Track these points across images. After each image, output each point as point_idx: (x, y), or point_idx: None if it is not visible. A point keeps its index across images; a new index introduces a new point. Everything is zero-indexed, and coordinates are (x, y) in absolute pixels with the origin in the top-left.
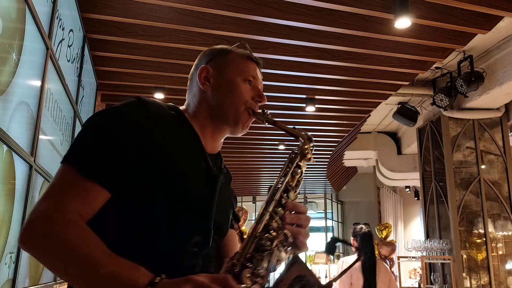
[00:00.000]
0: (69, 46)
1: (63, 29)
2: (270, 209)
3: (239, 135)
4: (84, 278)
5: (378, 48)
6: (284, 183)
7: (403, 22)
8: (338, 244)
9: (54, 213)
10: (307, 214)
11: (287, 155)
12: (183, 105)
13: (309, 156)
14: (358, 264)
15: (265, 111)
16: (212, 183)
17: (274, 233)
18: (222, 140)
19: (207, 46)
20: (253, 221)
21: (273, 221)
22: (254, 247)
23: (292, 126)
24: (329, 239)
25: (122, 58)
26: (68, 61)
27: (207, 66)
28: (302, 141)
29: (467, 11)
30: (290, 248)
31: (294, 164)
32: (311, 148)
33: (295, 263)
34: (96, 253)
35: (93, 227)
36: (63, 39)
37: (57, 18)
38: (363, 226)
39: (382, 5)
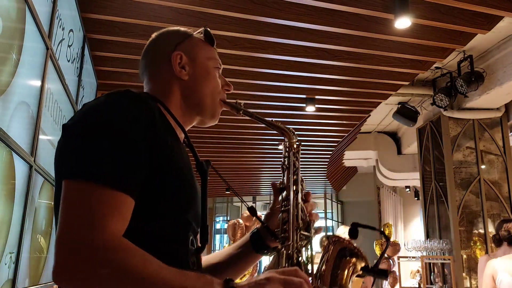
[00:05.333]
0: (69, 46)
1: (63, 29)
2: (299, 201)
3: (207, 126)
4: None
5: (378, 48)
6: (300, 175)
7: (403, 22)
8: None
9: (103, 241)
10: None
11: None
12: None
13: (298, 149)
14: None
15: (237, 101)
16: (203, 177)
17: (301, 222)
18: None
19: None
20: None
21: (300, 211)
22: (298, 237)
23: (270, 119)
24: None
25: (122, 58)
26: (68, 61)
27: (180, 52)
28: (288, 136)
29: (467, 11)
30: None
31: (297, 157)
32: (297, 142)
33: (334, 241)
34: (162, 272)
35: None
36: (63, 39)
37: (57, 18)
38: None
39: (382, 5)
